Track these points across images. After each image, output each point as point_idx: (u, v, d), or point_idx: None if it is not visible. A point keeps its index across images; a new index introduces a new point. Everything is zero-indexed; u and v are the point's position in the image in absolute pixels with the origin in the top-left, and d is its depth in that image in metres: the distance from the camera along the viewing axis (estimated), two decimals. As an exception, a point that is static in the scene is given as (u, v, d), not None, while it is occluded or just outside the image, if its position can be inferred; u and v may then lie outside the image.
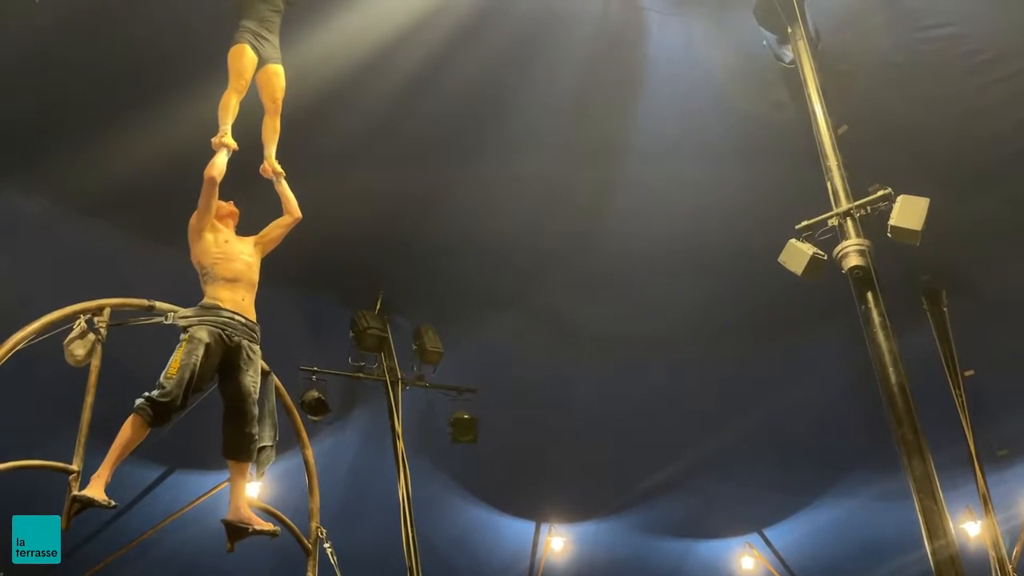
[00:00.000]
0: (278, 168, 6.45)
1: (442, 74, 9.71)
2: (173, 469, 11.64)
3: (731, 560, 15.83)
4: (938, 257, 10.69)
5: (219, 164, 5.96)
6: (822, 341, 12.61)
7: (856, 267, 7.75)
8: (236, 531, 5.74)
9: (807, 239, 8.16)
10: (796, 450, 13.86)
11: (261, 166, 6.47)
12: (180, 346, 5.53)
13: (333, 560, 6.87)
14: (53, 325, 5.86)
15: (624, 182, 11.37)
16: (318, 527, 6.88)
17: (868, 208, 7.95)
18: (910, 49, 9.90)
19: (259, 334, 5.92)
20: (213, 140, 6.06)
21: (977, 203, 10.88)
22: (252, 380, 5.77)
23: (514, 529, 14.79)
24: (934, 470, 7.04)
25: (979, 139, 10.51)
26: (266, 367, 6.16)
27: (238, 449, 5.75)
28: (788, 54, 9.50)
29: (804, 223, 8.22)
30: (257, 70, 6.43)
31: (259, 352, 5.90)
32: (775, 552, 15.77)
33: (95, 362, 5.89)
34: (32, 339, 5.79)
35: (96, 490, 5.25)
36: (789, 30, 9.18)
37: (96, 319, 5.97)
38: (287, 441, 6.69)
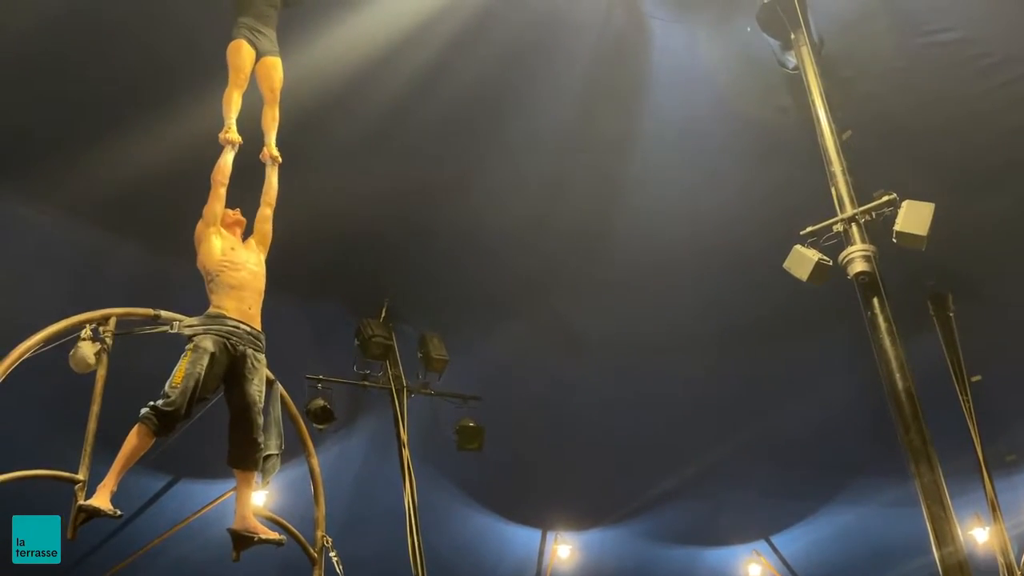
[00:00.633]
0: (276, 154, 6.55)
1: (446, 81, 9.73)
2: (179, 478, 11.65)
3: (738, 567, 15.80)
4: (944, 262, 10.67)
5: (225, 167, 6.05)
6: (828, 347, 12.56)
7: (862, 273, 7.75)
8: (242, 540, 5.72)
9: (812, 245, 8.15)
10: (803, 457, 13.79)
11: (261, 152, 6.57)
12: (185, 355, 5.53)
13: (339, 569, 6.85)
14: (59, 335, 5.86)
15: (628, 188, 11.36)
16: (324, 536, 6.83)
17: (873, 213, 7.96)
18: (914, 53, 9.88)
19: (264, 343, 5.92)
20: (220, 136, 6.19)
21: (982, 207, 10.85)
22: (257, 389, 5.78)
23: (520, 537, 14.75)
24: (942, 476, 7.03)
25: (984, 143, 10.49)
26: (271, 376, 6.16)
27: (243, 458, 5.76)
28: (791, 60, 9.52)
29: (809, 229, 8.23)
30: (255, 63, 6.53)
31: (264, 361, 5.90)
32: (782, 559, 15.72)
33: (101, 371, 5.88)
34: (38, 349, 5.79)
35: (102, 500, 5.24)
36: (792, 36, 9.21)
37: (102, 328, 5.98)
38: (293, 450, 6.70)
